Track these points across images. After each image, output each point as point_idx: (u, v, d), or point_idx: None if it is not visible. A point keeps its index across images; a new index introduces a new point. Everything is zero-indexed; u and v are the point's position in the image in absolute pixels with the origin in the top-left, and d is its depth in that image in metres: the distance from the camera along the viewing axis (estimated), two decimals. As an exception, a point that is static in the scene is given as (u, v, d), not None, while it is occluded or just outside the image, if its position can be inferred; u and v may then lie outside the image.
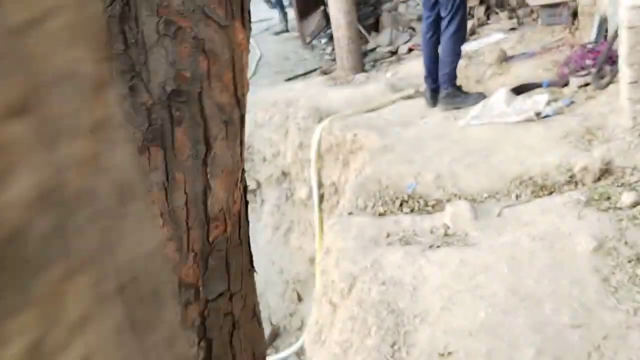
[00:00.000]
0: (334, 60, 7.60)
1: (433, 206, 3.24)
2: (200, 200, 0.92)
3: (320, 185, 5.31)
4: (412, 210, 3.24)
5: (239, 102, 0.98)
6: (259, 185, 6.44)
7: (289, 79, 7.63)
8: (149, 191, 0.88)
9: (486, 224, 2.81)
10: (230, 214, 0.97)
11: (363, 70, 6.94)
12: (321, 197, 5.33)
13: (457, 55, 4.58)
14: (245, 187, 1.03)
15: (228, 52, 0.95)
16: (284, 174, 6.06)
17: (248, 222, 1.03)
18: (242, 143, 1.00)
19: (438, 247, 2.70)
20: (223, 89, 0.95)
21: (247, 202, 1.03)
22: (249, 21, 1.05)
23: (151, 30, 0.86)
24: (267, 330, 6.23)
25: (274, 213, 6.23)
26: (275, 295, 6.36)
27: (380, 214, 3.25)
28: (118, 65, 0.84)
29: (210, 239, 0.94)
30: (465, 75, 5.41)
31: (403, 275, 2.58)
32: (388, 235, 2.98)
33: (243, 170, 1.01)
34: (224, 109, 0.95)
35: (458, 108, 4.55)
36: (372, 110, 5.26)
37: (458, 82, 4.73)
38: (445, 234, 2.82)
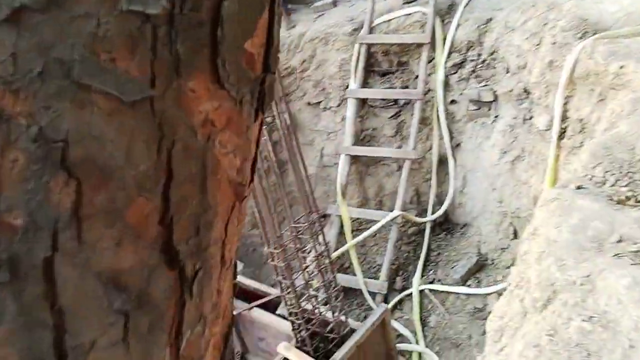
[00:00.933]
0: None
1: None
2: None
3: (564, 117, 4.33)
4: (669, 205, 2.32)
5: (185, 278, 0.43)
6: (495, 97, 5.59)
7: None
8: None
9: None
10: None
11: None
12: (562, 132, 4.37)
13: None
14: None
15: (154, 185, 0.40)
16: (526, 92, 5.11)
17: None
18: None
19: (690, 287, 1.84)
20: (130, 249, 0.41)
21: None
22: (271, 59, 0.46)
23: None
24: (473, 259, 5.69)
25: (505, 134, 5.41)
26: (489, 224, 5.72)
27: (620, 201, 2.39)
28: None
29: None
30: None
31: (622, 316, 1.82)
32: (620, 240, 2.16)
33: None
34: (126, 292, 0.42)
35: None
36: (659, 32, 3.98)
37: None
38: None
